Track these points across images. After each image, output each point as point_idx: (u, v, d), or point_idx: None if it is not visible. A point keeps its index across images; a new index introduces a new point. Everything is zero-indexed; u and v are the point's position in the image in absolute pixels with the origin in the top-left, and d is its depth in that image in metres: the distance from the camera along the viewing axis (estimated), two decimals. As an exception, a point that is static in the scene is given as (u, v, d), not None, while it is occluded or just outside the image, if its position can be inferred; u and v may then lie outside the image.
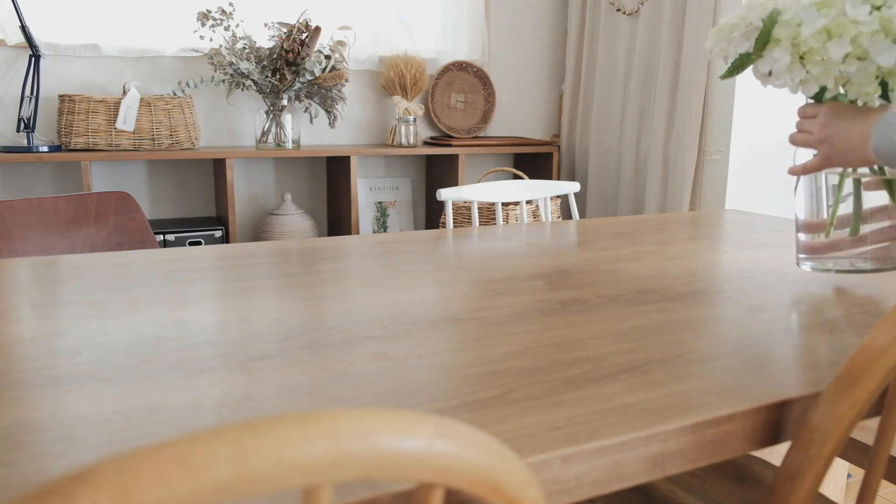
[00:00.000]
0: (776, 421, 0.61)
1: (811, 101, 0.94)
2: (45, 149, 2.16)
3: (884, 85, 0.88)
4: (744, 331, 0.79)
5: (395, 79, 2.68)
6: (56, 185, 2.38)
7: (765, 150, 2.43)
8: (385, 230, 2.85)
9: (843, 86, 0.88)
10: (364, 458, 0.32)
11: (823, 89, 0.91)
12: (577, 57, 2.91)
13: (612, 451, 0.53)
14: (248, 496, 0.29)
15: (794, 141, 0.92)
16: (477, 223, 1.66)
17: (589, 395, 0.60)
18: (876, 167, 0.92)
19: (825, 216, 0.97)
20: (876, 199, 0.95)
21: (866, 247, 0.96)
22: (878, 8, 0.84)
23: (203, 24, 2.28)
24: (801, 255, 1.01)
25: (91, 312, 0.81)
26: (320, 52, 2.43)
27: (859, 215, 0.94)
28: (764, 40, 0.89)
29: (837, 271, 0.98)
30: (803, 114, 0.93)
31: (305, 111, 2.53)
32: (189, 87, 2.37)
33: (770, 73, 0.91)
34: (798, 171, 0.92)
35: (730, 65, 0.93)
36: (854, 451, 1.08)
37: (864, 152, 0.83)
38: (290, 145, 2.47)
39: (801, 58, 0.87)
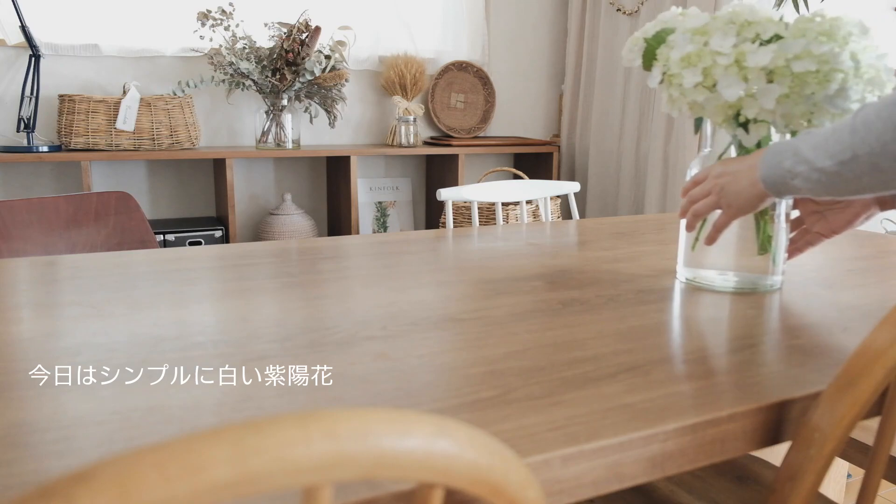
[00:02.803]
0: (776, 421, 0.61)
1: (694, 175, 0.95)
2: (45, 149, 2.16)
3: (743, 120, 0.89)
4: (743, 331, 0.79)
5: (395, 79, 2.68)
6: (56, 185, 2.38)
7: (765, 150, 2.42)
8: (385, 230, 2.85)
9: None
10: (364, 458, 0.32)
11: (699, 119, 0.93)
12: (577, 57, 2.91)
13: (612, 451, 0.53)
14: (248, 496, 0.29)
15: (697, 211, 0.90)
16: (477, 223, 1.66)
17: (589, 395, 0.60)
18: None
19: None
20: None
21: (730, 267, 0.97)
22: (767, 42, 0.84)
23: (203, 24, 2.28)
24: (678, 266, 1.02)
25: (91, 312, 0.81)
26: (320, 52, 2.42)
27: (766, 236, 0.94)
28: (649, 58, 0.92)
29: (698, 286, 0.98)
30: (694, 183, 0.92)
31: (305, 111, 2.53)
32: (189, 87, 2.37)
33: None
34: (714, 237, 0.90)
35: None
36: (854, 451, 1.08)
37: (755, 188, 0.83)
38: (290, 145, 2.47)
39: (671, 79, 0.89)
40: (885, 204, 0.93)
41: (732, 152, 0.94)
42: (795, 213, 0.98)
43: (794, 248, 0.98)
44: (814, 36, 0.82)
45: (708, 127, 0.96)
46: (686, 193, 0.92)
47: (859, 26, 0.86)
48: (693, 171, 0.97)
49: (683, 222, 0.95)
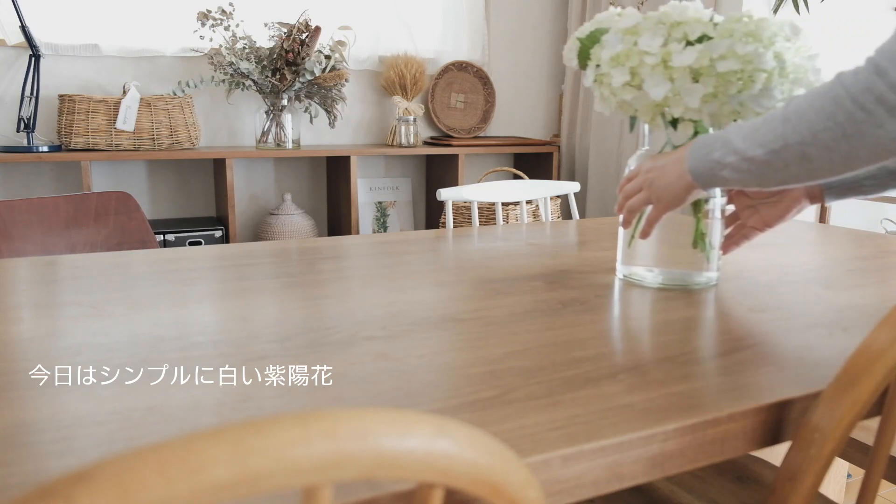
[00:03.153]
0: (776, 421, 0.61)
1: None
2: (45, 149, 2.16)
3: (672, 119, 0.90)
4: (744, 331, 0.79)
5: (395, 79, 2.68)
6: (56, 185, 2.38)
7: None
8: (385, 230, 2.85)
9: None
10: (364, 458, 0.32)
11: (634, 118, 0.94)
12: (577, 57, 2.91)
13: (612, 451, 0.53)
14: (248, 496, 0.29)
15: (630, 207, 0.91)
16: (477, 223, 1.66)
17: (589, 395, 0.60)
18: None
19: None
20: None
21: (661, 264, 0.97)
22: (692, 42, 0.85)
23: (203, 24, 2.28)
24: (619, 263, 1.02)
25: (91, 312, 0.81)
26: (320, 52, 2.42)
27: (699, 233, 0.95)
28: (584, 57, 0.93)
29: (634, 282, 0.98)
30: (628, 179, 0.93)
31: (305, 111, 2.53)
32: (189, 87, 2.37)
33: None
34: (647, 231, 0.91)
35: None
36: (854, 451, 1.08)
37: (682, 180, 0.83)
38: (290, 145, 2.47)
39: (602, 79, 0.90)
40: (814, 197, 0.95)
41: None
42: (731, 209, 1.00)
43: (731, 243, 1.00)
44: (739, 36, 0.83)
45: (645, 125, 0.97)
46: (622, 189, 0.93)
47: (790, 27, 0.87)
48: (631, 168, 0.98)
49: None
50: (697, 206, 0.93)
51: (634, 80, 0.87)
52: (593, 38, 0.92)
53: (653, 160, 0.89)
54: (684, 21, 0.85)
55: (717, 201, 0.94)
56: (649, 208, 0.90)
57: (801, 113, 0.70)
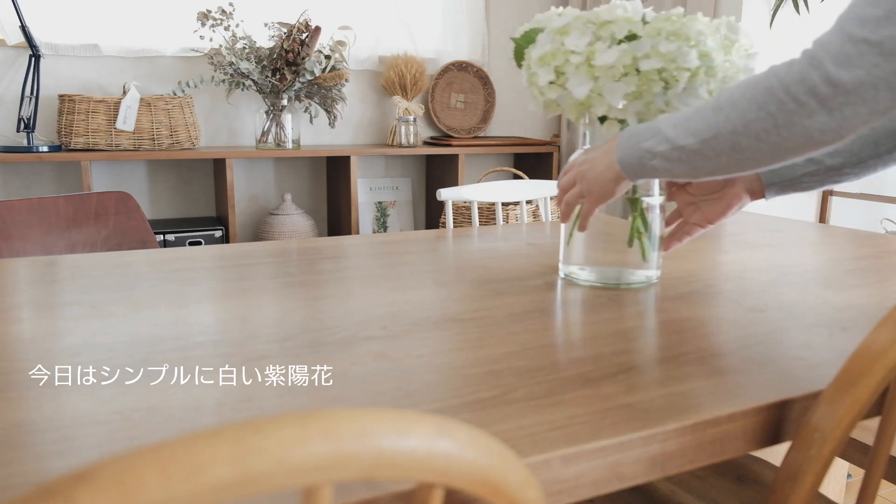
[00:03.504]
0: (776, 421, 0.61)
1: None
2: (45, 149, 2.16)
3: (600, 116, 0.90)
4: (744, 331, 0.79)
5: (395, 79, 2.68)
6: (56, 185, 2.38)
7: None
8: (385, 230, 2.85)
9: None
10: (364, 458, 0.32)
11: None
12: (577, 57, 2.91)
13: (612, 451, 0.53)
14: (248, 496, 0.29)
15: (567, 201, 0.91)
16: (477, 223, 1.66)
17: (589, 395, 0.60)
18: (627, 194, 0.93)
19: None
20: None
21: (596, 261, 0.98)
22: (622, 41, 0.85)
23: (203, 24, 2.28)
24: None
25: (91, 312, 0.81)
26: (320, 52, 2.42)
27: (634, 230, 0.95)
28: (519, 57, 0.94)
29: (571, 281, 0.98)
30: (564, 174, 0.93)
31: (305, 111, 2.53)
32: (189, 87, 2.37)
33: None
34: (582, 225, 0.91)
35: None
36: (854, 451, 1.08)
37: (610, 171, 0.83)
38: (290, 145, 2.47)
39: (532, 78, 0.91)
40: (754, 193, 0.96)
41: None
42: (673, 206, 1.00)
43: (673, 239, 0.99)
44: (665, 35, 0.83)
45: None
46: (558, 185, 0.94)
47: (727, 26, 0.88)
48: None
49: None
50: (634, 205, 0.93)
51: (560, 79, 0.87)
52: (528, 38, 0.92)
53: (585, 154, 0.89)
54: (613, 20, 0.85)
55: (657, 199, 0.94)
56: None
57: (733, 102, 0.70)
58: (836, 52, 0.63)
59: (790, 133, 0.67)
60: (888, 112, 0.64)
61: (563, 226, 0.98)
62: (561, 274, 1.01)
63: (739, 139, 0.70)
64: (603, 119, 0.90)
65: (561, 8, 0.92)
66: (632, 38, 0.84)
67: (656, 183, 0.94)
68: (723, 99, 0.72)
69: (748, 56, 0.89)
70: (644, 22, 0.85)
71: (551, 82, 0.88)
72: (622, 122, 0.89)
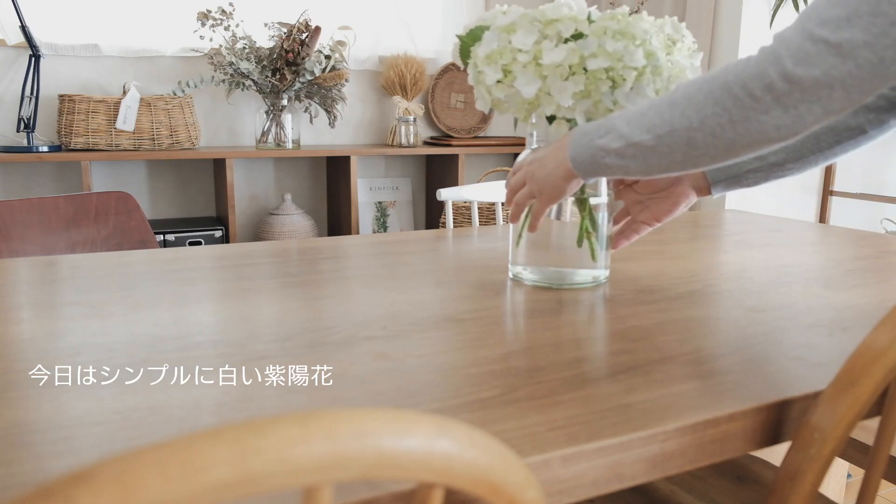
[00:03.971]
0: (776, 421, 0.61)
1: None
2: (45, 149, 2.16)
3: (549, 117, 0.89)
4: (744, 331, 0.79)
5: (395, 79, 2.68)
6: (56, 185, 2.38)
7: (765, 150, 2.42)
8: (385, 230, 2.85)
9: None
10: (364, 458, 0.32)
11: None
12: (577, 57, 2.91)
13: (612, 451, 0.53)
14: (248, 496, 0.29)
15: (516, 202, 0.90)
16: (477, 223, 1.66)
17: (589, 395, 0.60)
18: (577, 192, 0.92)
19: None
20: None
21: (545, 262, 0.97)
22: (568, 40, 0.84)
23: (203, 24, 2.28)
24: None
25: (91, 312, 0.81)
26: (320, 52, 2.42)
27: (583, 230, 0.94)
28: (465, 56, 0.93)
29: (521, 280, 0.98)
30: (512, 173, 0.91)
31: (305, 111, 2.53)
32: (189, 87, 2.37)
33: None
34: (533, 224, 0.90)
35: None
36: (854, 451, 1.08)
37: (561, 169, 0.82)
38: (290, 145, 2.47)
39: (478, 76, 0.90)
40: (700, 190, 0.96)
41: None
42: (620, 205, 1.00)
43: (621, 237, 0.99)
44: (611, 34, 0.83)
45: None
46: (507, 184, 0.93)
47: (671, 25, 0.88)
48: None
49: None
50: (583, 205, 0.93)
51: (507, 78, 0.86)
52: (474, 36, 0.91)
53: (534, 153, 0.89)
54: (558, 18, 0.85)
55: (604, 199, 0.93)
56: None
57: (689, 97, 0.70)
58: (796, 49, 0.62)
59: (745, 129, 0.66)
60: (842, 112, 0.64)
61: (511, 227, 0.98)
62: (510, 275, 1.00)
63: (695, 135, 0.70)
64: (552, 118, 0.89)
65: (506, 6, 0.92)
66: (578, 36, 0.84)
67: (604, 182, 0.93)
68: (678, 94, 0.71)
69: (691, 55, 0.89)
70: (590, 21, 0.85)
71: (499, 81, 0.87)
72: (570, 121, 0.88)
